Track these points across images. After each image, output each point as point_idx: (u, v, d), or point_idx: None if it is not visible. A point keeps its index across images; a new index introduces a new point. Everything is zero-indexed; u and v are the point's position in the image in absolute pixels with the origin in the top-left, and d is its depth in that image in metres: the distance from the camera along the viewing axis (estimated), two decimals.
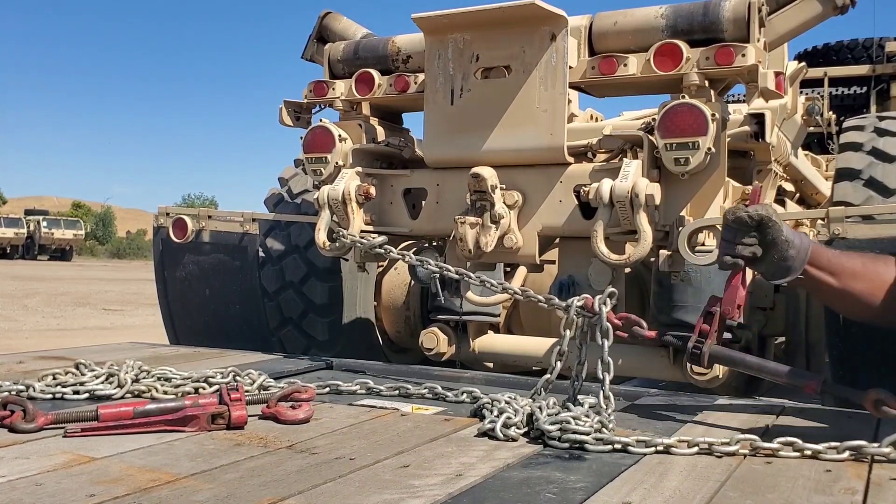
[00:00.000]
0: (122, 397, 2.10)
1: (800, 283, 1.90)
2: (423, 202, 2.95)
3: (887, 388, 1.76)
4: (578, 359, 1.98)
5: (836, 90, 6.56)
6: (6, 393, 1.98)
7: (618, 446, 1.66)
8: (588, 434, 1.68)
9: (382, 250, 2.58)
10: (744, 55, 2.44)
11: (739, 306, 1.93)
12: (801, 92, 4.30)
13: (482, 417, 1.87)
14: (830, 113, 5.19)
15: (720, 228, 2.47)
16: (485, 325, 3.24)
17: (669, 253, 2.56)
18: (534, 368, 3.16)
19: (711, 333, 1.92)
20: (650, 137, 2.52)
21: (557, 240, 2.87)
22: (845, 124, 3.41)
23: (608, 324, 1.95)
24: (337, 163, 2.96)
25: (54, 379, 2.16)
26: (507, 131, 2.70)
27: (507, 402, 1.89)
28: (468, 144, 2.76)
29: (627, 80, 2.64)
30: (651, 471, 1.53)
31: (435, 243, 3.24)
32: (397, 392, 2.25)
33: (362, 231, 2.88)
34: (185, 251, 3.72)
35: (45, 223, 39.60)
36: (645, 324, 2.04)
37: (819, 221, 2.56)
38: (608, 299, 1.97)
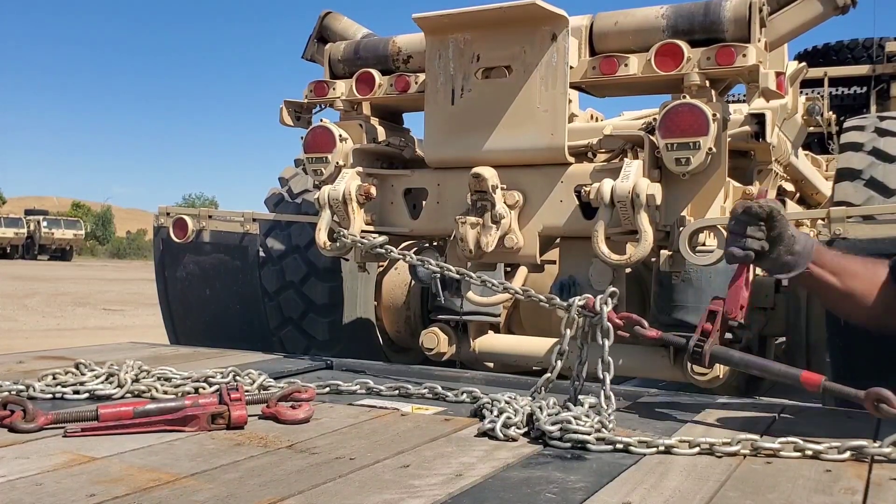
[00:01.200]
0: (122, 397, 2.10)
1: (802, 281, 1.93)
2: (424, 202, 2.95)
3: (887, 388, 1.76)
4: (579, 359, 1.98)
5: (837, 90, 6.56)
6: (6, 393, 1.98)
7: (619, 446, 1.65)
8: (589, 434, 1.68)
9: (383, 250, 2.58)
10: (745, 55, 2.44)
11: (742, 306, 1.94)
12: (802, 92, 4.30)
13: (482, 417, 1.87)
14: (830, 113, 5.18)
15: (721, 228, 2.49)
16: (485, 325, 3.24)
17: (670, 253, 2.56)
18: (534, 368, 3.15)
19: (713, 333, 1.93)
20: (651, 137, 2.52)
21: (558, 240, 2.87)
22: (846, 124, 3.40)
23: (609, 323, 1.95)
24: (337, 163, 2.96)
25: (54, 379, 2.15)
26: (508, 131, 2.69)
27: (507, 402, 1.89)
28: (469, 144, 2.76)
29: (628, 80, 2.64)
30: (651, 471, 1.53)
31: (435, 243, 3.24)
32: (397, 392, 2.25)
33: (363, 231, 2.88)
34: (186, 251, 3.72)
35: (45, 223, 39.64)
36: (646, 323, 2.04)
37: (820, 221, 2.56)
38: (609, 299, 1.97)
